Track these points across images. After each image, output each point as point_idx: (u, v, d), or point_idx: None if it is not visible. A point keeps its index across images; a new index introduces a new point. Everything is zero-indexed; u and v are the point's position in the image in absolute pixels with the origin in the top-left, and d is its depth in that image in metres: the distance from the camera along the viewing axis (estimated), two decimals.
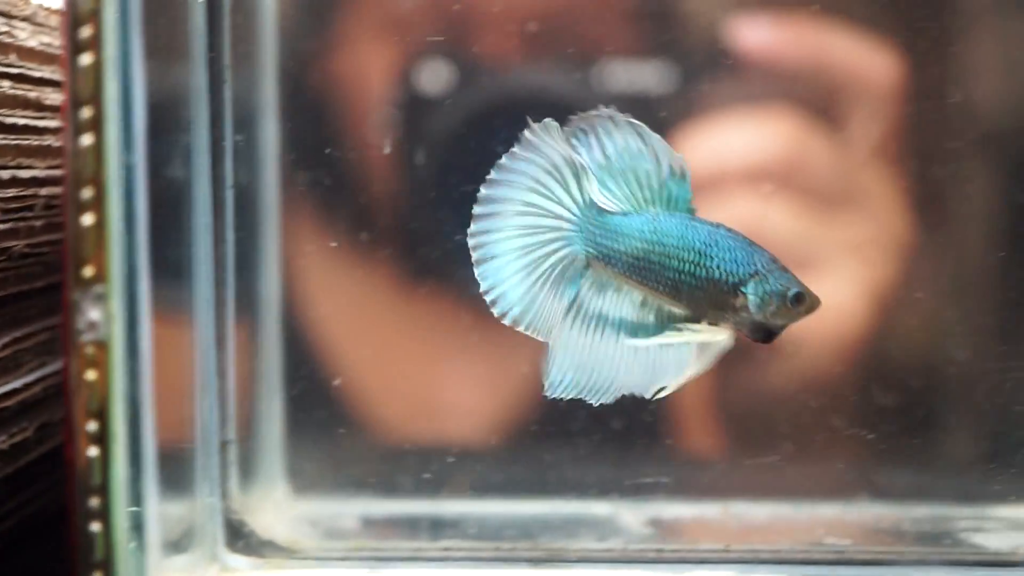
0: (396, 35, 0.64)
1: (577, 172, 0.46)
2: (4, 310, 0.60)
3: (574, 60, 0.63)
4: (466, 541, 0.61)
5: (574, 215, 0.47)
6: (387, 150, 0.63)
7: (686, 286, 0.47)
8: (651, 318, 0.48)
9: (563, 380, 0.47)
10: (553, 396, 0.47)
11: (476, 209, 0.46)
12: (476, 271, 0.47)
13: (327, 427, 0.66)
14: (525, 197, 0.46)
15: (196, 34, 0.57)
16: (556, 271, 0.47)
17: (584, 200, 0.46)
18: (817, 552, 0.59)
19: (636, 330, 0.47)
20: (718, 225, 0.48)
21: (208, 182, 0.58)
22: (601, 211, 0.47)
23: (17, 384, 0.61)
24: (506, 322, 0.47)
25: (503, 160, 0.46)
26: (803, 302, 0.47)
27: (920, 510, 0.64)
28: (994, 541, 0.61)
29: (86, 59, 0.47)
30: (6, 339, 0.60)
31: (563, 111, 0.60)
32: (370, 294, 0.64)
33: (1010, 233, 0.62)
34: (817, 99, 0.62)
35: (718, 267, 0.47)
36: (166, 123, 0.54)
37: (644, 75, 0.63)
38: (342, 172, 0.64)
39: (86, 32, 0.47)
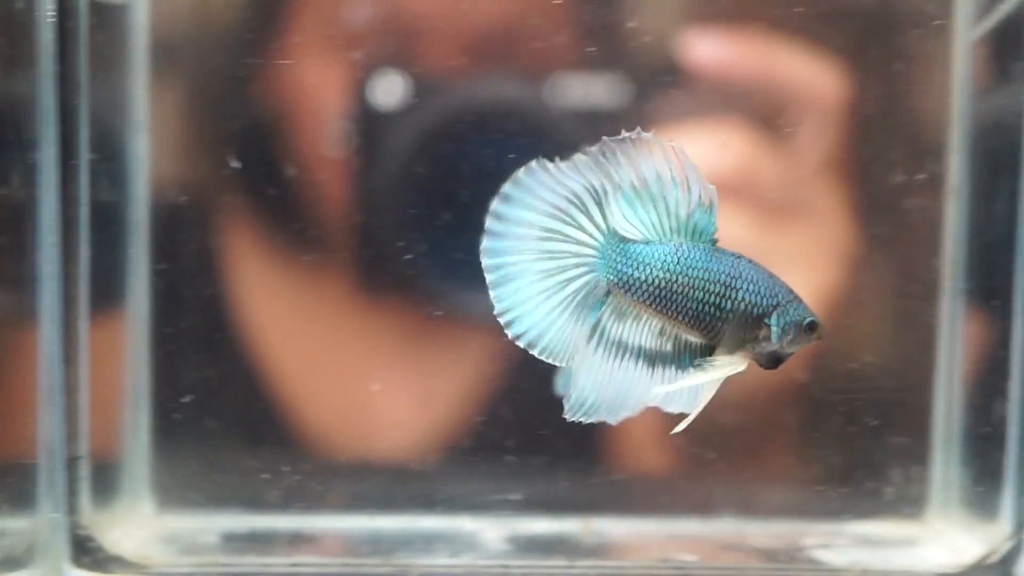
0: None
1: (601, 198, 0.46)
2: None
3: (524, 74, 0.64)
4: (316, 556, 0.61)
5: (597, 241, 0.47)
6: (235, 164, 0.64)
7: (709, 317, 0.47)
8: (668, 347, 0.48)
9: (584, 403, 0.47)
10: (574, 418, 0.47)
11: (491, 225, 0.46)
12: (492, 292, 0.46)
13: (196, 442, 0.67)
14: (546, 223, 0.46)
15: (44, 51, 0.58)
16: (577, 297, 0.47)
17: (607, 227, 0.46)
18: (662, 569, 0.60)
19: (654, 358, 0.48)
20: (739, 256, 0.48)
21: (56, 200, 0.59)
22: (624, 239, 0.47)
23: None
24: (520, 344, 0.46)
25: (521, 176, 0.46)
26: (816, 330, 0.48)
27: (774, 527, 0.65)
28: (838, 557, 0.62)
29: None
30: None
31: (510, 126, 0.62)
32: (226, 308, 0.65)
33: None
34: (766, 113, 0.64)
35: (743, 299, 0.47)
36: (6, 139, 0.55)
37: (596, 89, 0.64)
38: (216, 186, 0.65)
39: None
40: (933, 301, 0.65)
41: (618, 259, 0.47)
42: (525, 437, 0.65)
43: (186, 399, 0.65)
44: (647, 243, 0.47)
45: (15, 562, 0.56)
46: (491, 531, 0.67)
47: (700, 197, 0.47)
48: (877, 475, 0.66)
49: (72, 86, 0.61)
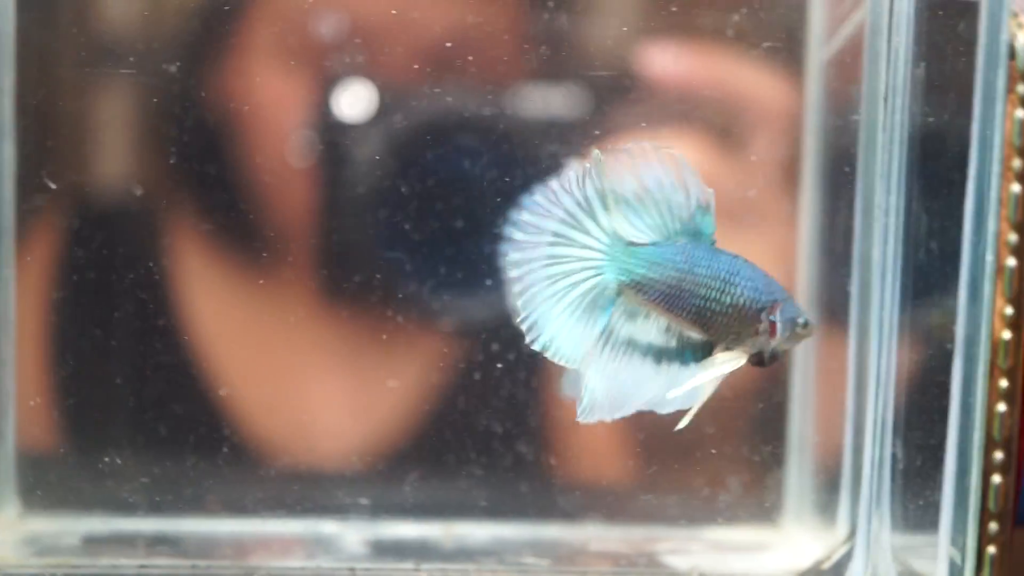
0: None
1: (608, 204, 0.48)
2: None
3: (481, 85, 0.66)
4: (165, 559, 0.62)
5: (604, 245, 0.49)
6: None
7: (711, 312, 0.50)
8: (673, 343, 0.50)
9: (595, 404, 0.49)
10: (586, 420, 0.49)
11: (514, 235, 0.49)
12: (518, 301, 0.49)
13: (62, 446, 0.68)
14: (555, 228, 0.49)
15: None
16: (586, 300, 0.49)
17: (612, 233, 0.49)
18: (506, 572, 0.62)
19: (660, 357, 0.50)
20: (736, 256, 0.51)
21: None
22: (631, 243, 0.50)
23: None
24: (536, 348, 0.49)
25: (542, 188, 0.49)
26: (809, 327, 0.51)
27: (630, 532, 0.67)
28: (683, 561, 0.63)
29: None
30: None
31: (475, 139, 0.64)
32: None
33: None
34: (721, 123, 0.66)
35: (742, 295, 0.50)
36: None
37: (555, 99, 0.66)
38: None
39: None
40: None
41: (628, 261, 0.50)
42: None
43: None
44: (655, 244, 0.50)
45: None
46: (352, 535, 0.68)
47: (699, 200, 0.50)
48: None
49: None
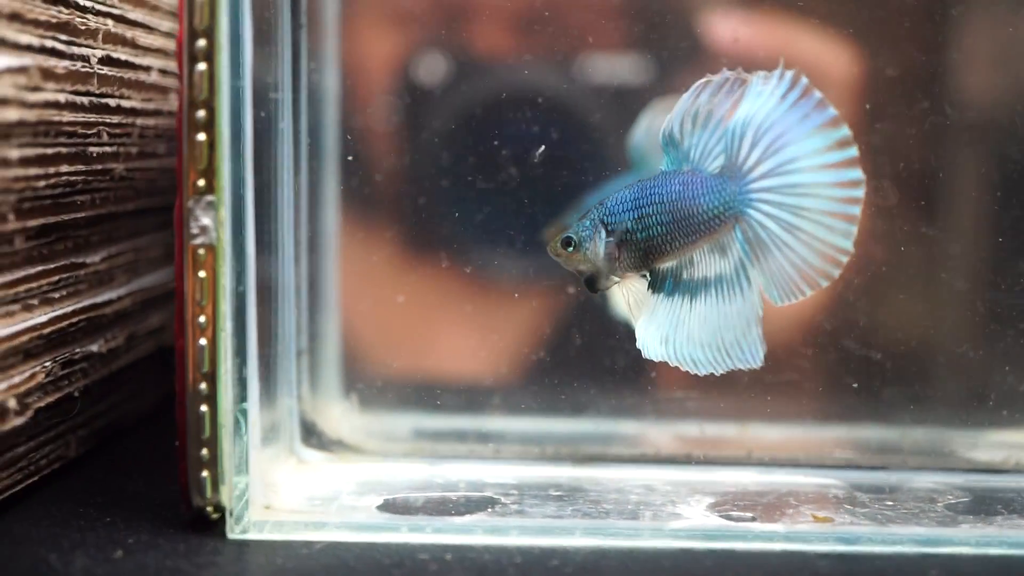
0: None
1: None
2: (102, 227, 0.72)
3: (554, 55, 0.73)
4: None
5: None
6: None
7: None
8: None
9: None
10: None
11: None
12: None
13: None
14: None
15: None
16: None
17: None
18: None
19: None
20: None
21: (290, 115, 0.71)
22: None
23: (112, 295, 0.73)
24: None
25: None
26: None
27: None
28: None
29: None
30: (103, 254, 0.72)
31: (541, 104, 0.72)
32: None
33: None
34: None
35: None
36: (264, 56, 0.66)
37: (624, 68, 0.73)
38: None
39: None
40: None
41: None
42: None
43: None
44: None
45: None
46: None
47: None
48: None
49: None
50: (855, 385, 0.72)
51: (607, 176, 0.71)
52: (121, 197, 0.70)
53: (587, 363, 0.73)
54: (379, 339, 0.75)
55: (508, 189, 0.72)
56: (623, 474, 0.71)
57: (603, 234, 0.59)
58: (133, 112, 0.70)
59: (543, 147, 0.70)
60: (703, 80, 0.56)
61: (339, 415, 0.73)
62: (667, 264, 0.58)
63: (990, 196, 0.71)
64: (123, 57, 0.68)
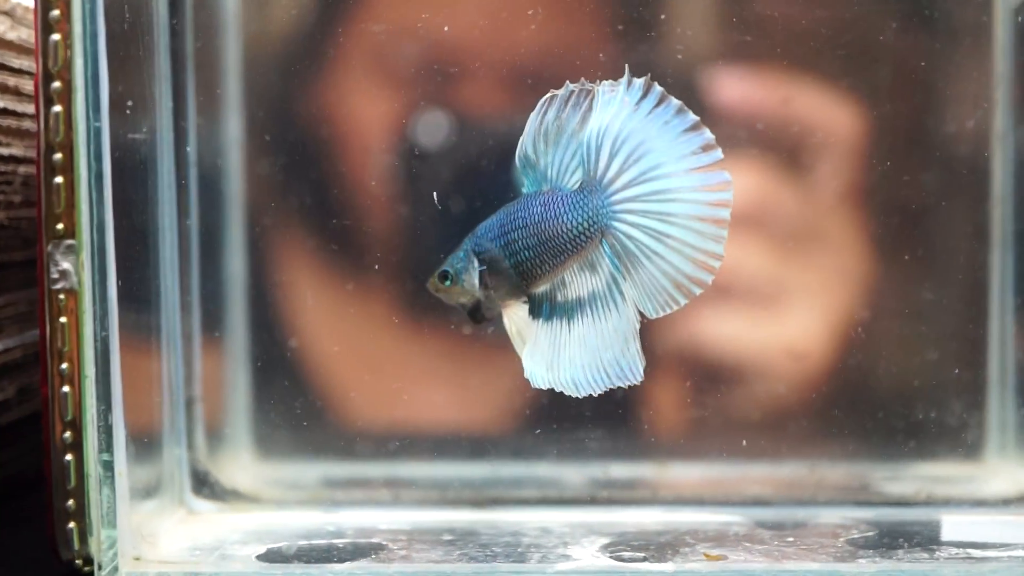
0: None
1: None
2: None
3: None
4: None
5: None
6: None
7: None
8: None
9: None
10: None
11: None
12: None
13: None
14: None
15: (159, 23, 0.70)
16: None
17: None
18: None
19: None
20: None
21: (171, 159, 0.71)
22: None
23: (0, 347, 0.73)
24: None
25: None
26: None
27: None
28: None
29: (55, 37, 0.60)
30: None
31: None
32: None
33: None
34: (785, 148, 0.72)
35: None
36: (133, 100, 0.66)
37: None
38: None
39: (54, 14, 0.60)
40: None
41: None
42: None
43: None
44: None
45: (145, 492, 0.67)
46: None
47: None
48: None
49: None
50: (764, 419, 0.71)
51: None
52: (6, 247, 0.70)
53: (489, 404, 0.72)
54: (282, 386, 0.75)
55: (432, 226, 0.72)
56: (522, 516, 0.69)
57: (475, 263, 0.58)
58: (14, 160, 0.70)
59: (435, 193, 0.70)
60: (547, 96, 0.55)
61: (235, 464, 0.72)
62: (542, 288, 0.58)
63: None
64: (2, 105, 0.68)
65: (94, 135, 0.59)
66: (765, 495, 0.71)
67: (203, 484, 0.71)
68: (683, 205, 0.55)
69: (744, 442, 0.72)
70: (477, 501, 0.71)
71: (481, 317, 0.60)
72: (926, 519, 0.67)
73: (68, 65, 0.58)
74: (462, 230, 0.63)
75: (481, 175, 0.71)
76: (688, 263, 0.55)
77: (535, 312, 0.59)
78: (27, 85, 0.71)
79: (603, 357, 0.57)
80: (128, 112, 0.63)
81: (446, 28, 0.70)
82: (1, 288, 0.71)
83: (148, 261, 0.66)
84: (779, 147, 0.71)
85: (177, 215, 0.69)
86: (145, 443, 0.65)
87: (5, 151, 0.68)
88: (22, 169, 0.70)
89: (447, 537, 0.65)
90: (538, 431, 0.72)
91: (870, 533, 0.64)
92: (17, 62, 0.71)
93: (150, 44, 0.66)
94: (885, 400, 0.70)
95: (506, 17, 0.70)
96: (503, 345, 0.69)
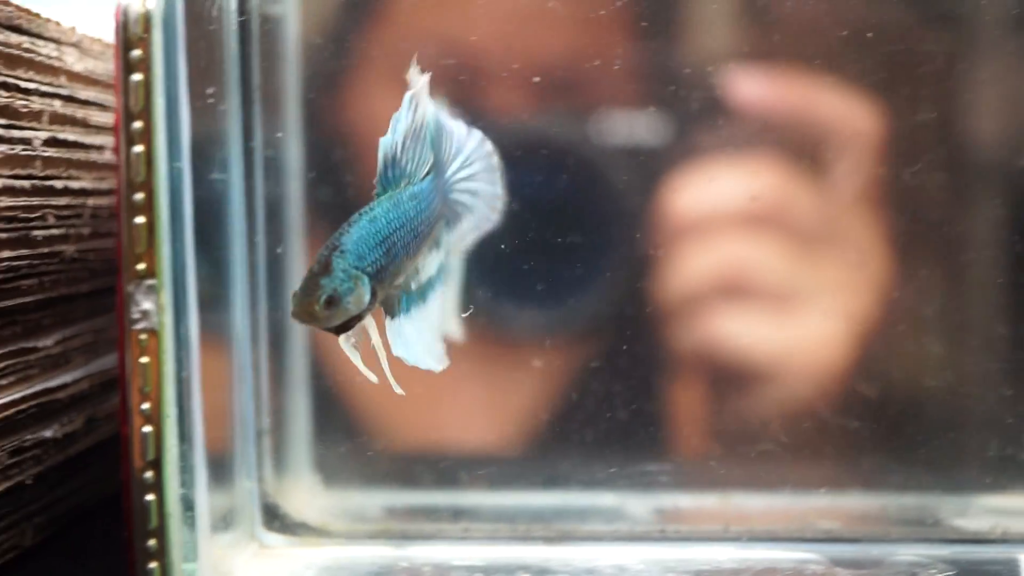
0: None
1: None
2: (54, 310, 0.72)
3: (574, 111, 0.73)
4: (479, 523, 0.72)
5: None
6: None
7: None
8: None
9: None
10: None
11: None
12: None
13: None
14: None
15: (230, 58, 0.70)
16: None
17: None
18: None
19: None
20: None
21: (241, 192, 0.71)
22: None
23: (67, 379, 0.73)
24: None
25: None
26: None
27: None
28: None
29: (136, 77, 0.60)
30: (56, 337, 0.72)
31: (564, 160, 0.72)
32: None
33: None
34: (802, 147, 0.72)
35: None
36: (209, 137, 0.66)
37: (641, 125, 0.73)
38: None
39: (136, 54, 0.60)
40: None
41: None
42: None
43: None
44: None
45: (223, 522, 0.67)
46: None
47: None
48: None
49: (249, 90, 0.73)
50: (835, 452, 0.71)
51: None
52: (74, 279, 0.71)
53: (560, 434, 0.72)
54: (347, 416, 0.75)
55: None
56: (595, 553, 0.69)
57: (365, 280, 0.57)
58: (83, 192, 0.70)
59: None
60: (407, 96, 0.57)
61: (304, 496, 0.73)
62: (399, 281, 0.58)
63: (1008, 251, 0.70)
64: (71, 138, 0.69)
65: (175, 176, 0.59)
66: (834, 529, 0.70)
67: (273, 517, 0.71)
68: (479, 164, 0.63)
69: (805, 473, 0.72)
70: (548, 535, 0.71)
71: (345, 328, 0.59)
72: (1003, 557, 0.67)
73: (149, 105, 0.58)
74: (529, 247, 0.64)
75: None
76: (488, 209, 0.64)
77: (394, 310, 0.59)
78: (95, 116, 0.71)
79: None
80: (205, 150, 0.63)
81: (514, 66, 0.70)
82: (68, 320, 0.71)
83: (221, 296, 0.66)
84: (798, 146, 0.71)
85: (247, 249, 0.69)
86: (219, 478, 0.65)
87: (75, 184, 0.69)
88: (91, 201, 0.71)
89: (522, 575, 0.65)
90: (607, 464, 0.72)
91: (949, 573, 0.64)
92: (84, 93, 0.71)
93: (223, 80, 0.66)
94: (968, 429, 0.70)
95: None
96: (570, 373, 0.70)
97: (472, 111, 0.69)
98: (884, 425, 0.72)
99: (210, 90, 0.65)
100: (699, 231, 0.71)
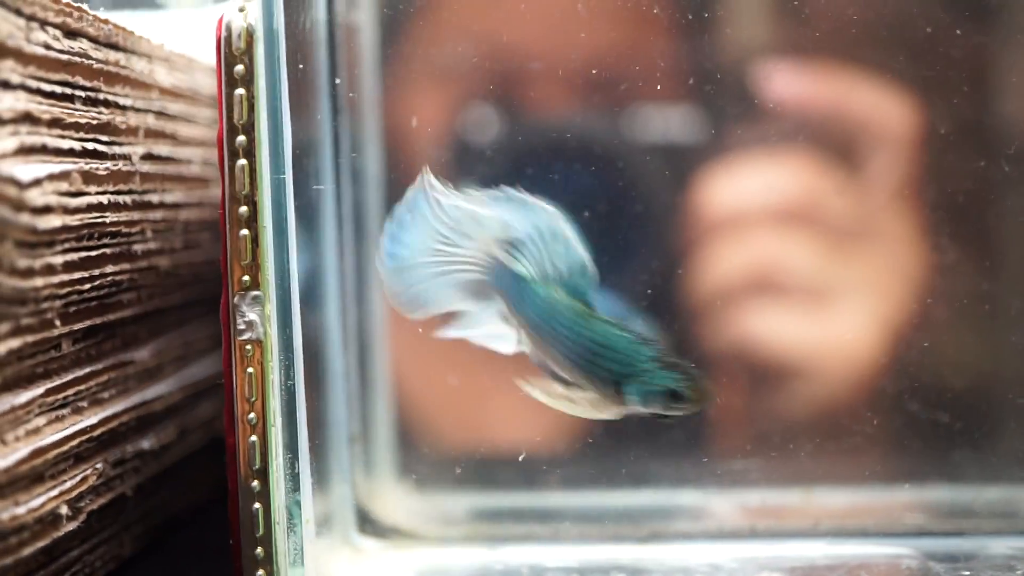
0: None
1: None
2: (149, 322, 0.73)
3: (610, 107, 0.74)
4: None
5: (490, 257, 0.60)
6: None
7: (570, 369, 0.57)
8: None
9: None
10: None
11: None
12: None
13: None
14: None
15: (321, 68, 0.71)
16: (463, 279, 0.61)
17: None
18: None
19: None
20: (611, 322, 0.57)
21: (334, 200, 0.72)
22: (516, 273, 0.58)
23: (162, 390, 0.74)
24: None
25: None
26: (682, 400, 0.55)
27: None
28: None
29: (239, 92, 0.61)
30: (151, 349, 0.74)
31: (599, 156, 0.73)
32: None
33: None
34: (837, 143, 0.73)
35: (602, 366, 0.57)
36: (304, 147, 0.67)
37: (675, 120, 0.74)
38: None
39: (239, 69, 0.61)
40: None
41: (508, 281, 0.59)
42: None
43: None
44: (532, 282, 0.58)
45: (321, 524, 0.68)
46: None
47: (585, 264, 0.58)
48: None
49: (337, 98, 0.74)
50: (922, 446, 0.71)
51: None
52: (167, 291, 0.72)
53: (644, 433, 0.73)
54: (432, 419, 0.76)
55: None
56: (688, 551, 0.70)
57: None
58: (176, 206, 0.71)
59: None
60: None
61: (394, 500, 0.74)
62: None
63: None
64: (164, 152, 0.70)
65: (278, 188, 0.60)
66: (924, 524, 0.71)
67: (366, 521, 0.72)
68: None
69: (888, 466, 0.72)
70: (639, 535, 0.72)
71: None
72: None
73: (253, 119, 0.59)
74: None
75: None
76: None
77: None
78: (182, 130, 0.72)
79: None
80: (303, 160, 0.64)
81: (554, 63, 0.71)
82: (161, 331, 0.72)
83: (318, 305, 0.68)
84: (834, 143, 0.72)
85: (337, 257, 0.70)
86: (318, 484, 0.66)
87: (169, 198, 0.70)
88: (183, 215, 0.72)
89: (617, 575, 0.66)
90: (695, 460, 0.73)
91: None
92: (173, 108, 0.72)
93: (316, 90, 0.67)
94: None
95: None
96: None
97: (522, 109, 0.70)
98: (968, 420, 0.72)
99: (306, 101, 0.66)
100: (732, 228, 0.71)
